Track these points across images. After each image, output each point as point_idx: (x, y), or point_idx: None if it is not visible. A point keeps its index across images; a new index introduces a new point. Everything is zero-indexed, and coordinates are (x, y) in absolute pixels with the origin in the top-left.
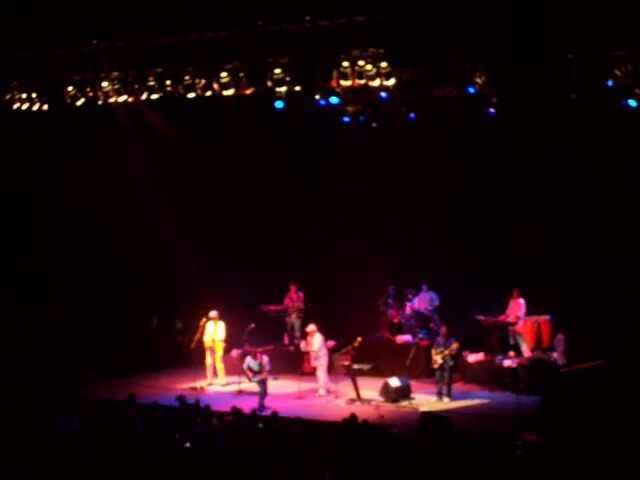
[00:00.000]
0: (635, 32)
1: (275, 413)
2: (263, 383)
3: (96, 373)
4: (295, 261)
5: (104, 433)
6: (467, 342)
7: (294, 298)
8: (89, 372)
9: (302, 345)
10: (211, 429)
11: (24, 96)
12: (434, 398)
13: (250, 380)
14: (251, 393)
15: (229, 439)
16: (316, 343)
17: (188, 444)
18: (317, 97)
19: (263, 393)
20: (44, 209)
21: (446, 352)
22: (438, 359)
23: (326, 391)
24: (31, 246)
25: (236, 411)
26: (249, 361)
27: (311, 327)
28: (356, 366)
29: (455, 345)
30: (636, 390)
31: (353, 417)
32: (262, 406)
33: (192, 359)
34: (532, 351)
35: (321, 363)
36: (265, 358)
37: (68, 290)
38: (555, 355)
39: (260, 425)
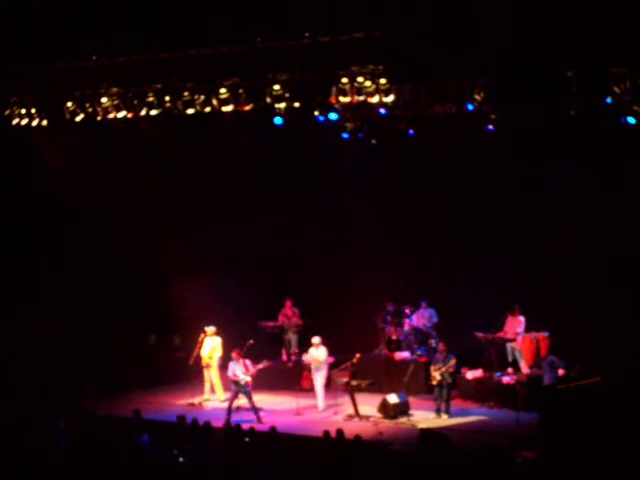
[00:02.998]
0: (634, 50)
1: (274, 428)
2: (249, 394)
3: (95, 388)
4: (294, 277)
5: (104, 447)
6: (465, 359)
7: (289, 314)
8: (91, 385)
9: (305, 357)
10: (207, 445)
11: (23, 111)
12: (432, 415)
13: (240, 384)
14: (248, 409)
15: (225, 455)
16: (322, 354)
17: (181, 459)
18: (316, 113)
19: (253, 404)
20: (45, 223)
21: (444, 369)
22: (437, 376)
23: (325, 405)
24: (34, 260)
25: (230, 428)
26: (232, 367)
27: (317, 339)
28: (354, 382)
29: (453, 362)
30: (635, 407)
31: (340, 433)
32: (259, 418)
33: (190, 375)
34: (530, 368)
35: (323, 375)
36: (248, 361)
37: (68, 305)
38: (545, 377)
39: (247, 439)
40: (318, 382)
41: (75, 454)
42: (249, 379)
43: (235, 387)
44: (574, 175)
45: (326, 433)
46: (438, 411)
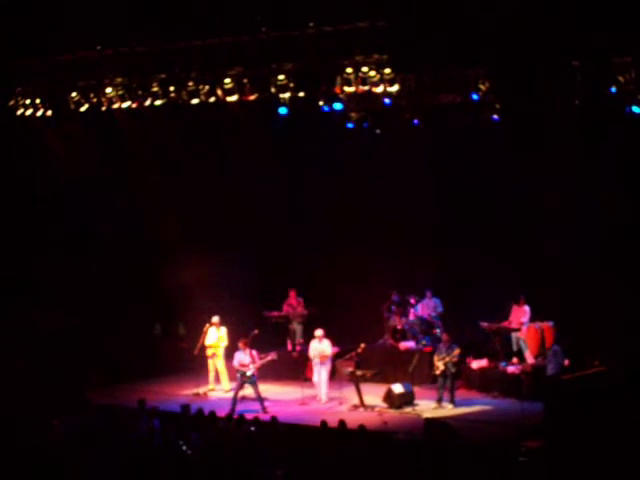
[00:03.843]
0: (639, 39)
1: (274, 418)
2: (255, 384)
3: (98, 377)
4: (298, 267)
5: (107, 437)
6: (471, 348)
7: (293, 304)
8: (92, 377)
9: (310, 351)
10: (211, 435)
11: (28, 102)
12: (434, 404)
13: (246, 374)
14: (254, 399)
15: (227, 444)
16: (327, 348)
17: (185, 447)
18: (321, 103)
19: (259, 394)
20: (47, 216)
21: (447, 359)
22: (440, 365)
23: (327, 398)
24: (35, 253)
25: (232, 417)
26: (238, 356)
27: (320, 332)
28: (359, 372)
29: (457, 351)
30: (638, 397)
31: (342, 424)
32: (264, 408)
33: (195, 365)
34: (535, 357)
35: (327, 370)
36: (254, 352)
37: (72, 297)
38: (549, 367)
39: (253, 428)
40: (323, 376)
41: (77, 445)
42: (253, 369)
43: (241, 377)
44: (578, 164)
45: (323, 423)
46: (439, 401)
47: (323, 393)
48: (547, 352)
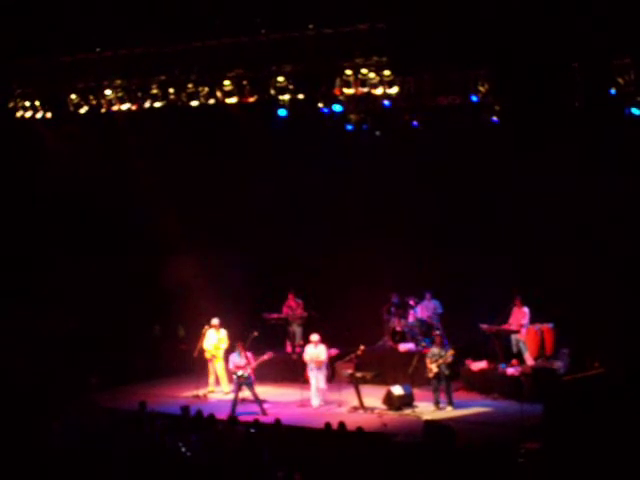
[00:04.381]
0: (638, 41)
1: (278, 420)
2: (251, 385)
3: (99, 380)
4: (297, 268)
5: (108, 438)
6: (470, 350)
7: (293, 306)
8: (92, 379)
9: (305, 356)
10: (210, 437)
11: (27, 104)
12: (432, 407)
13: (242, 376)
14: (253, 401)
15: (227, 446)
16: (322, 353)
17: (184, 449)
18: (320, 105)
19: (256, 395)
20: (47, 216)
21: (441, 361)
22: (433, 368)
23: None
24: (35, 253)
25: (233, 419)
26: (234, 358)
27: (316, 337)
28: (359, 374)
29: (450, 353)
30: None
31: (342, 426)
32: (263, 410)
33: (195, 367)
34: (535, 359)
35: (324, 374)
36: (249, 353)
37: (72, 299)
38: (559, 365)
39: (253, 430)
40: (320, 382)
41: (77, 446)
42: (249, 370)
43: (237, 379)
44: (578, 166)
45: (327, 425)
46: (437, 403)
47: (320, 397)
48: (558, 353)
